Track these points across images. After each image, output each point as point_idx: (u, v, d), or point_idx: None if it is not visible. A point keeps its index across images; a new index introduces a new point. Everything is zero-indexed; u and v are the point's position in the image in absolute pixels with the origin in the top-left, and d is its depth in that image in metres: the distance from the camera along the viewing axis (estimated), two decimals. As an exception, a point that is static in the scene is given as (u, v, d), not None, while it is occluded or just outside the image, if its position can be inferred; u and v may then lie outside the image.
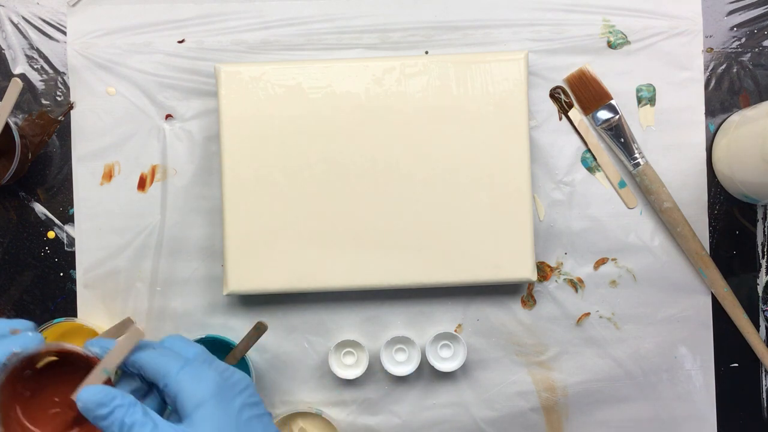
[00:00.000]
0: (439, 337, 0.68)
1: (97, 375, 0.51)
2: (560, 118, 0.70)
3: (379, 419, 0.69)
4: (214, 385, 0.50)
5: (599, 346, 0.69)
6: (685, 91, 0.70)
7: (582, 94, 0.69)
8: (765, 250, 0.70)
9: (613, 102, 0.69)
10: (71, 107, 0.69)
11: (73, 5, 0.69)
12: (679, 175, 0.70)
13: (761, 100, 0.70)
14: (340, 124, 0.66)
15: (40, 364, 0.53)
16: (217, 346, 0.66)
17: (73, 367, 0.52)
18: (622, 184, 0.70)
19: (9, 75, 0.69)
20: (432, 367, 0.68)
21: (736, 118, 0.68)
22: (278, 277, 0.66)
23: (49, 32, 0.69)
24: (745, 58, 0.70)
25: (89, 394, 0.48)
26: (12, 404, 0.52)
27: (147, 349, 0.51)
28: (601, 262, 0.70)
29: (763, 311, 0.69)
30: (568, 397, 0.69)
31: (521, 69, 0.66)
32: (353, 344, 0.68)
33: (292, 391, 0.69)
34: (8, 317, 0.69)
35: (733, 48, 0.70)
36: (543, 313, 0.69)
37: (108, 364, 0.51)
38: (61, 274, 0.66)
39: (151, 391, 0.52)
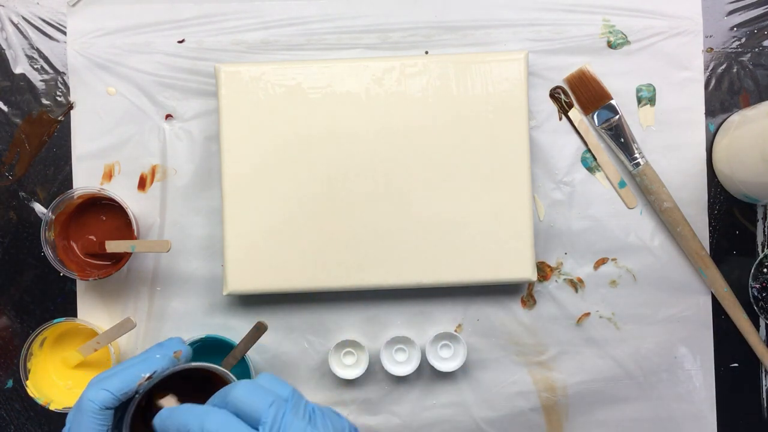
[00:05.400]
0: (439, 337, 0.68)
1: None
2: (560, 118, 0.70)
3: (379, 419, 0.69)
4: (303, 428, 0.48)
5: (599, 346, 0.69)
6: (685, 91, 0.70)
7: (582, 94, 0.69)
8: (765, 250, 0.70)
9: (613, 102, 0.69)
10: (71, 107, 0.69)
11: (73, 5, 0.69)
12: (679, 175, 0.70)
13: (761, 100, 0.70)
14: (340, 124, 0.66)
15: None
16: (217, 346, 0.66)
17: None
18: (622, 184, 0.70)
19: (9, 75, 0.69)
20: (432, 367, 0.68)
21: (736, 118, 0.68)
22: (278, 277, 0.66)
23: (49, 32, 0.69)
24: (745, 58, 0.70)
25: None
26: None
27: (246, 384, 0.50)
28: (601, 262, 0.70)
29: (752, 287, 0.69)
30: (568, 397, 0.69)
31: (521, 69, 0.66)
32: (353, 344, 0.68)
33: (292, 391, 0.69)
34: (8, 317, 0.69)
35: (733, 48, 0.70)
36: (543, 313, 0.69)
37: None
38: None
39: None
